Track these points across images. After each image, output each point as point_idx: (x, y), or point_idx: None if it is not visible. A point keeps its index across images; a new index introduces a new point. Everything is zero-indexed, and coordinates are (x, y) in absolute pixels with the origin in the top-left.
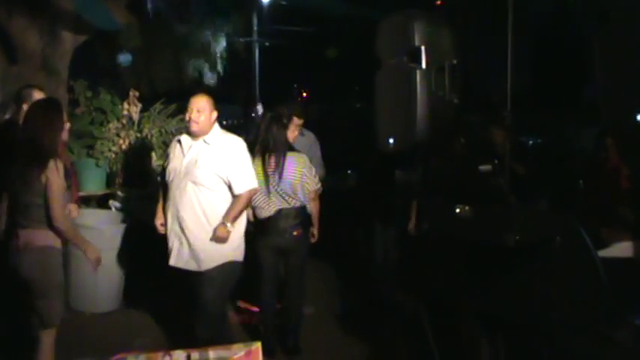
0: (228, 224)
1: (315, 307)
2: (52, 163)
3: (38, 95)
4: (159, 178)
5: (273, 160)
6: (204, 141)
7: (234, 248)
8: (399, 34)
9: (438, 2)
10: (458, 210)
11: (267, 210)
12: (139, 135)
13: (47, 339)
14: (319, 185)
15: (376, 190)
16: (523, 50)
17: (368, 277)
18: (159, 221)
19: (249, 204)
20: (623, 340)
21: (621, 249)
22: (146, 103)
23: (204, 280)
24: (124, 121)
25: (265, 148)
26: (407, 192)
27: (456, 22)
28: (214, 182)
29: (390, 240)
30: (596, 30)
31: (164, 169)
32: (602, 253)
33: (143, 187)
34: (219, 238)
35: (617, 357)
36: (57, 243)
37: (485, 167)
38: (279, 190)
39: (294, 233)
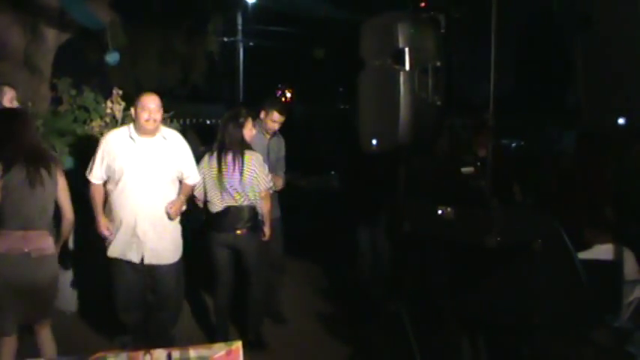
0: (183, 200)
1: (298, 306)
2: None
3: (9, 92)
4: (95, 180)
5: (227, 158)
6: (164, 137)
7: (179, 243)
8: (383, 35)
9: (422, 4)
10: (440, 211)
11: (217, 206)
12: None
13: (46, 329)
14: (271, 184)
15: (359, 190)
16: (506, 53)
17: (352, 277)
18: (105, 227)
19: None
20: (601, 341)
21: (602, 251)
22: (129, 101)
23: (168, 275)
24: (108, 120)
25: (221, 146)
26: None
27: (440, 25)
28: (174, 176)
29: (375, 240)
30: (578, 33)
31: (105, 167)
32: (584, 255)
33: None
34: (175, 210)
35: (596, 357)
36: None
37: (467, 169)
38: (229, 187)
39: (238, 232)
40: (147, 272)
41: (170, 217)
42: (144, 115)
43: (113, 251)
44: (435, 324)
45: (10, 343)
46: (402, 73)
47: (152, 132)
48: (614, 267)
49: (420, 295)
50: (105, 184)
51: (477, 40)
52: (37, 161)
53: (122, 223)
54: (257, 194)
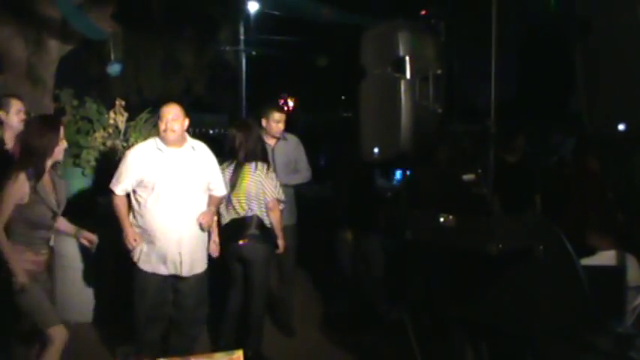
0: (214, 211)
1: (300, 313)
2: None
3: (15, 103)
4: (120, 192)
5: (230, 169)
6: (192, 147)
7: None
8: (384, 44)
9: (423, 12)
10: (442, 219)
11: (225, 217)
12: (125, 144)
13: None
14: (281, 195)
15: (357, 199)
16: (507, 60)
17: (353, 285)
18: (133, 238)
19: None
20: (604, 347)
21: (606, 257)
22: (132, 112)
23: (196, 284)
24: (111, 130)
25: (229, 156)
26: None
27: (440, 32)
28: (204, 187)
29: (372, 248)
30: (578, 39)
31: (133, 180)
32: (587, 261)
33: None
34: (207, 220)
35: None
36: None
37: (468, 176)
38: (234, 198)
39: (240, 242)
40: (173, 284)
41: (202, 229)
42: (162, 126)
43: (144, 264)
44: (438, 332)
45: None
46: (402, 82)
47: (176, 142)
48: (617, 273)
49: (423, 303)
50: (129, 195)
51: (477, 48)
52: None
53: (155, 235)
54: (262, 205)
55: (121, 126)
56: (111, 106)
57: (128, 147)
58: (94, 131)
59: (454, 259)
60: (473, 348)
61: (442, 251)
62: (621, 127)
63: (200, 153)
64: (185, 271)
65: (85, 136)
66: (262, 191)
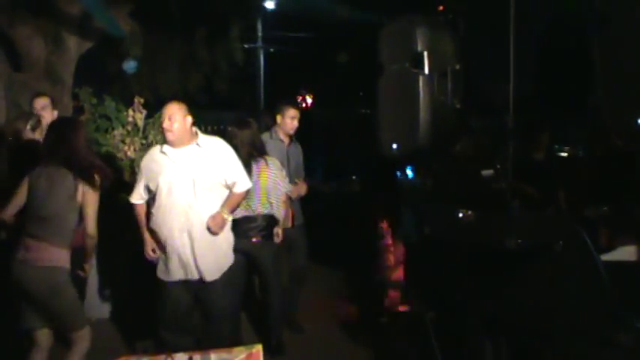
0: (226, 214)
1: (317, 311)
2: (94, 178)
3: (39, 100)
4: (134, 200)
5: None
6: (197, 145)
7: (229, 256)
8: (402, 39)
9: (440, 8)
10: (460, 214)
11: (236, 212)
12: (144, 142)
13: (76, 342)
14: (289, 188)
15: (380, 195)
16: (526, 55)
17: (371, 282)
18: (150, 248)
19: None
20: (625, 343)
21: (626, 252)
22: (151, 109)
23: (212, 289)
24: (129, 128)
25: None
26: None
27: (458, 27)
28: (217, 186)
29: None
30: (597, 32)
31: (144, 187)
32: (607, 256)
33: None
34: (216, 224)
35: (620, 359)
36: (66, 263)
37: (487, 172)
38: (249, 194)
39: (253, 239)
40: (196, 292)
41: (211, 232)
42: (163, 125)
43: (159, 273)
44: (457, 327)
45: (42, 336)
46: (421, 77)
47: (179, 142)
48: (637, 268)
49: (442, 299)
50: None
51: (495, 42)
52: (78, 171)
53: (166, 241)
54: (279, 198)
55: (140, 124)
56: (129, 104)
57: (147, 145)
58: (113, 129)
59: (473, 255)
60: (492, 344)
61: (461, 247)
62: None
63: (208, 149)
64: (201, 276)
65: (104, 134)
66: (276, 186)
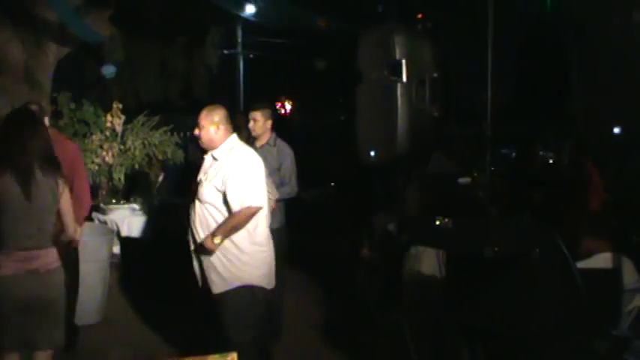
0: (216, 238)
1: (296, 316)
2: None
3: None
4: None
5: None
6: (213, 156)
7: (244, 271)
8: (380, 47)
9: (419, 16)
10: (438, 222)
11: None
12: (122, 147)
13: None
14: (275, 192)
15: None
16: (503, 63)
17: (350, 288)
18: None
19: (246, 223)
20: (600, 350)
21: (601, 260)
22: (130, 115)
23: (218, 304)
24: (108, 133)
25: None
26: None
27: (437, 36)
28: (217, 199)
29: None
30: (573, 43)
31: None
32: (583, 263)
33: (127, 199)
34: (204, 248)
35: None
36: (59, 262)
37: (464, 179)
38: None
39: None
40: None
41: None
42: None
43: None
44: (435, 334)
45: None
46: (399, 85)
47: (207, 147)
48: (613, 275)
49: (420, 306)
50: None
51: (474, 51)
52: (41, 171)
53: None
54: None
55: (118, 129)
56: (108, 109)
57: (125, 150)
58: (91, 134)
59: (450, 262)
60: (469, 350)
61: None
62: (616, 130)
63: (222, 160)
64: (205, 287)
65: (83, 139)
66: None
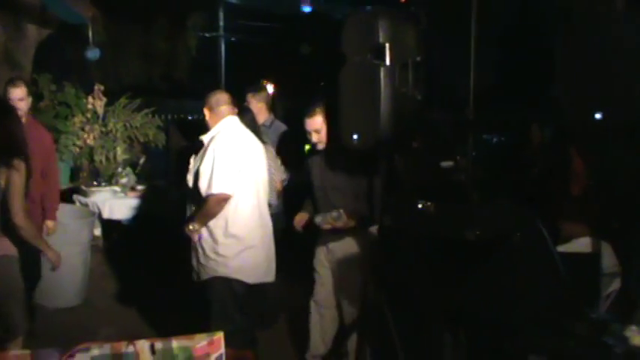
0: (192, 224)
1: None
2: (15, 162)
3: (18, 90)
4: None
5: None
6: (202, 140)
7: (219, 263)
8: (364, 31)
9: (403, 0)
10: (420, 206)
11: None
12: (103, 129)
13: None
14: (284, 175)
15: None
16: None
17: None
18: None
19: (215, 211)
20: (580, 333)
21: (581, 244)
22: (111, 97)
23: (202, 292)
24: (89, 115)
25: None
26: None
27: (420, 20)
28: (199, 186)
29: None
30: (558, 28)
31: None
32: (563, 248)
33: (109, 182)
34: (188, 230)
35: (575, 349)
36: (13, 250)
37: (447, 163)
38: None
39: None
40: None
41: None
42: None
43: None
44: (417, 318)
45: None
46: (382, 69)
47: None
48: (592, 260)
49: (402, 290)
50: None
51: (457, 35)
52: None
53: None
54: (273, 186)
55: (100, 111)
56: (89, 91)
57: (107, 132)
58: (73, 116)
59: (432, 246)
60: (451, 335)
61: (420, 238)
62: (597, 116)
63: (209, 145)
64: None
65: (64, 121)
66: (270, 175)
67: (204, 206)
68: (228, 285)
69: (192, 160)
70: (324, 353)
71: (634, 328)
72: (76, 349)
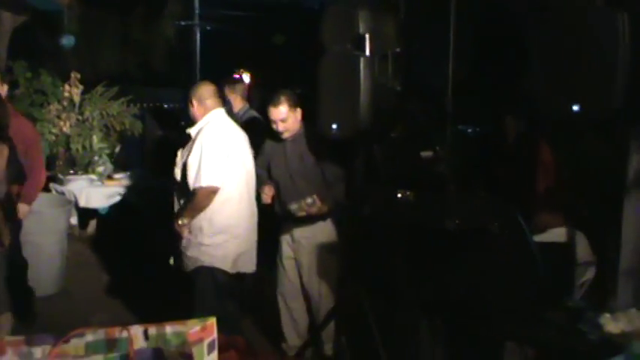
0: (181, 219)
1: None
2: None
3: None
4: None
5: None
6: (189, 134)
7: (203, 252)
8: (344, 21)
9: None
10: (399, 195)
11: None
12: (80, 117)
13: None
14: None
15: None
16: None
17: None
18: None
19: (205, 204)
20: (555, 320)
21: (556, 234)
22: (88, 85)
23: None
24: (65, 103)
25: None
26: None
27: (400, 10)
28: (185, 178)
29: None
30: (534, 18)
31: None
32: (539, 237)
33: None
34: (176, 226)
35: (550, 336)
36: None
37: (426, 153)
38: None
39: None
40: None
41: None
42: None
43: None
44: (394, 307)
45: None
46: (362, 59)
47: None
48: (567, 249)
49: (379, 278)
50: None
51: (436, 27)
52: None
53: None
54: None
55: (76, 99)
56: (66, 79)
57: (83, 120)
58: (49, 104)
59: (410, 236)
60: (428, 325)
61: (398, 227)
62: (575, 107)
63: (192, 140)
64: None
65: (40, 108)
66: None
67: (193, 199)
68: (212, 274)
69: (179, 153)
70: (299, 344)
71: (608, 315)
72: (71, 335)
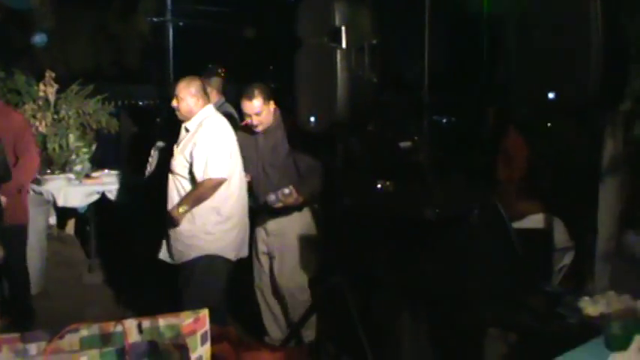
0: (181, 207)
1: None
2: None
3: None
4: None
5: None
6: (185, 128)
7: (209, 240)
8: (320, 14)
9: None
10: (379, 185)
11: None
12: (55, 116)
13: None
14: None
15: None
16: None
17: None
18: None
19: (209, 195)
20: (535, 305)
21: (534, 221)
22: (62, 83)
23: (181, 274)
24: (40, 103)
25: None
26: None
27: (376, 3)
28: (185, 170)
29: None
30: (510, 8)
31: None
32: (517, 224)
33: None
34: (171, 218)
35: (530, 321)
36: None
37: (405, 144)
38: None
39: None
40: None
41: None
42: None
43: None
44: (375, 295)
45: None
46: (338, 51)
47: (184, 118)
48: (545, 235)
49: (361, 268)
50: None
51: (412, 19)
52: None
53: None
54: None
55: (52, 98)
56: (40, 77)
57: (59, 119)
58: (23, 104)
59: (391, 225)
60: (410, 312)
61: (379, 217)
62: (551, 95)
63: (192, 133)
64: (174, 258)
65: (15, 108)
66: None
67: (199, 189)
68: (212, 263)
69: (175, 148)
70: (281, 337)
71: (586, 298)
72: (66, 330)
